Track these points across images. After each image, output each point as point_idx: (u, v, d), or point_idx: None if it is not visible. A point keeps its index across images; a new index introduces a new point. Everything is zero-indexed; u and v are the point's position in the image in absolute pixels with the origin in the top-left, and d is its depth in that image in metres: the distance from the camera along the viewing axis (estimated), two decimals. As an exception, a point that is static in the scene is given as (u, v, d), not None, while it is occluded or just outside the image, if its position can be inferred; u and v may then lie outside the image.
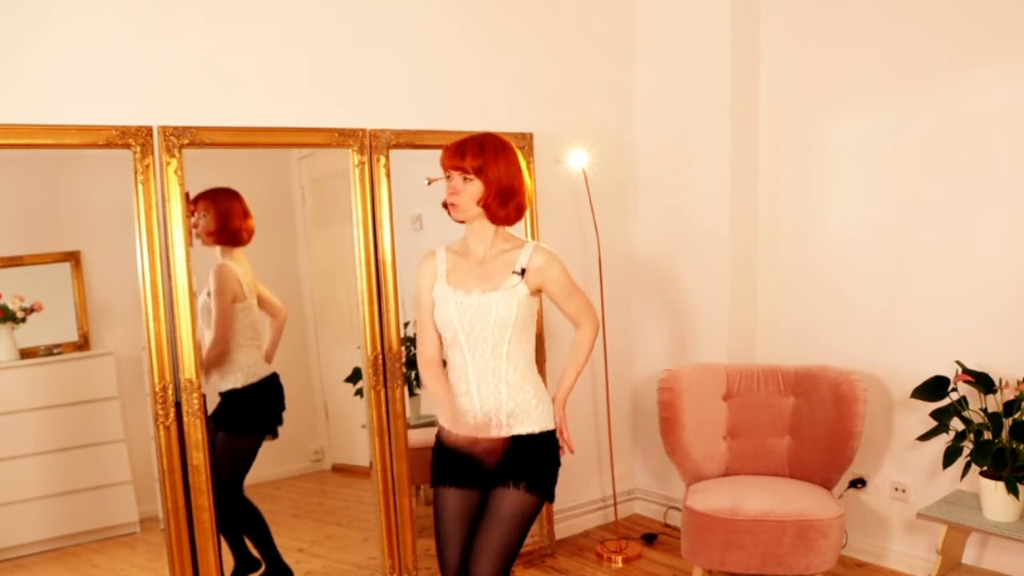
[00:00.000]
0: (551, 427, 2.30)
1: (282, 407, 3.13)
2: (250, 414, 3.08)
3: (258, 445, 3.09)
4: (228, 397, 2.99)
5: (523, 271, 2.24)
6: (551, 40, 3.62)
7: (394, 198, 3.06)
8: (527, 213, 2.43)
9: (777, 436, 3.27)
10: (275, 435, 3.12)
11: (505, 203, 2.24)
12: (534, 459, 2.26)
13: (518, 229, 2.78)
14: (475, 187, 2.21)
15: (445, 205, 2.29)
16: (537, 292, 2.30)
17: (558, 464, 2.33)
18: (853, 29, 3.29)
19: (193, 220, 2.84)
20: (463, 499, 2.31)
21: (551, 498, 2.32)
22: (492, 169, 2.21)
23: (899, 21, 3.16)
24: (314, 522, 3.39)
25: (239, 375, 3.01)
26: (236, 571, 3.07)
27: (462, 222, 2.29)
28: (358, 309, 3.07)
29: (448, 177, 2.24)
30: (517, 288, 2.22)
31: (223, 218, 2.95)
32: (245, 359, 3.02)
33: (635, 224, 3.95)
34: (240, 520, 3.07)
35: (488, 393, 2.23)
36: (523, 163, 2.30)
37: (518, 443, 2.25)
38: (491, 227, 2.28)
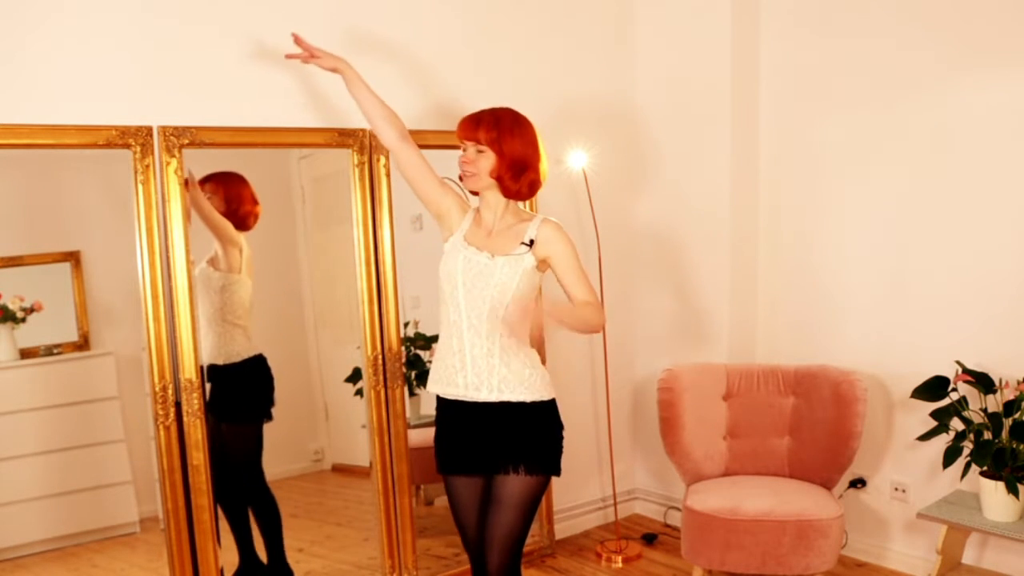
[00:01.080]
0: (547, 397, 2.29)
1: (272, 389, 3.12)
2: (242, 398, 3.08)
3: (260, 429, 3.09)
4: (212, 376, 2.96)
5: (531, 242, 2.26)
6: (553, 41, 3.62)
7: (394, 198, 3.06)
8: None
9: (777, 436, 3.27)
10: (270, 418, 3.12)
11: (518, 177, 2.28)
12: (530, 435, 2.26)
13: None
14: (488, 159, 2.26)
15: (461, 176, 2.35)
16: (544, 266, 2.31)
17: (559, 436, 2.32)
18: (854, 30, 3.29)
19: None
20: (471, 487, 2.34)
21: (556, 472, 2.31)
22: (506, 142, 2.25)
23: (900, 23, 3.16)
24: (314, 522, 3.39)
25: (221, 352, 2.99)
26: (239, 571, 3.07)
27: (475, 193, 2.35)
28: (358, 309, 3.07)
29: (464, 149, 2.29)
30: (524, 258, 2.24)
31: (234, 202, 2.97)
32: (228, 337, 3.00)
33: (635, 224, 3.95)
34: (258, 508, 3.08)
35: (480, 355, 2.24)
36: (541, 141, 2.33)
37: (511, 415, 2.24)
38: (503, 199, 2.32)
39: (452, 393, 2.29)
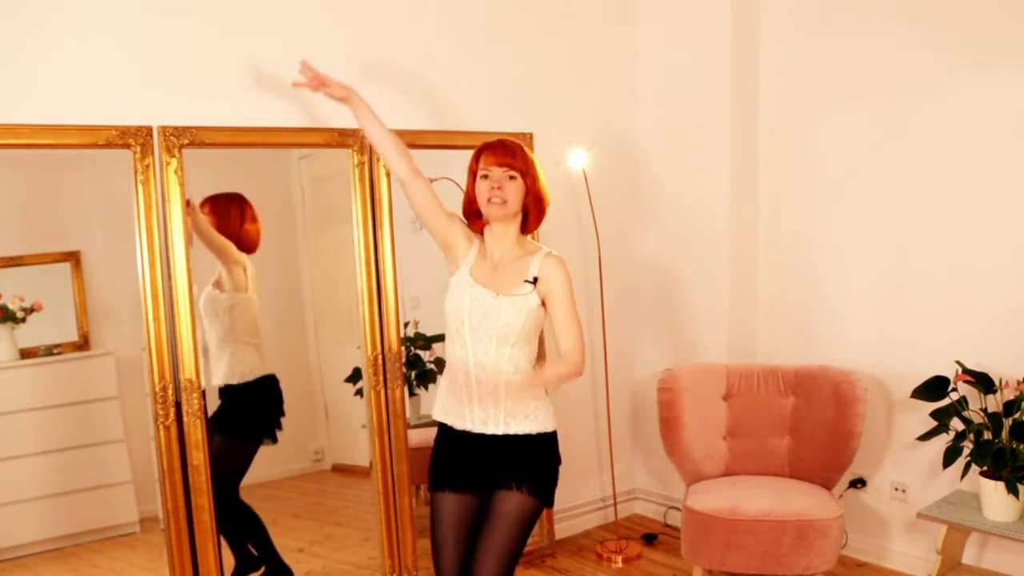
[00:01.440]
0: (550, 429, 2.29)
1: (281, 412, 3.12)
2: (246, 416, 3.07)
3: (254, 450, 3.08)
4: (223, 395, 2.97)
5: (535, 280, 2.22)
6: (553, 42, 3.62)
7: (394, 198, 3.06)
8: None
9: (777, 436, 3.27)
10: (274, 440, 3.11)
11: (540, 210, 2.29)
12: (535, 462, 2.26)
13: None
14: (519, 186, 2.23)
15: (470, 205, 2.29)
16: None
17: (556, 469, 2.32)
18: (854, 30, 3.29)
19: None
20: (460, 505, 2.30)
21: (550, 503, 2.31)
22: (532, 170, 2.25)
23: (900, 23, 3.16)
24: (314, 522, 3.39)
25: (234, 371, 2.99)
26: (236, 571, 3.07)
27: (479, 226, 2.30)
28: (358, 309, 3.07)
29: (484, 176, 2.23)
30: (528, 298, 2.21)
31: (220, 222, 2.96)
32: (241, 356, 3.01)
33: (635, 224, 3.95)
34: (237, 523, 3.07)
35: (487, 391, 2.22)
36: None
37: (517, 444, 2.24)
38: (513, 232, 2.28)
39: (459, 426, 2.28)
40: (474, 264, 2.28)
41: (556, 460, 2.32)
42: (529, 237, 2.35)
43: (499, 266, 2.26)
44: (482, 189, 2.24)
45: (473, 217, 2.32)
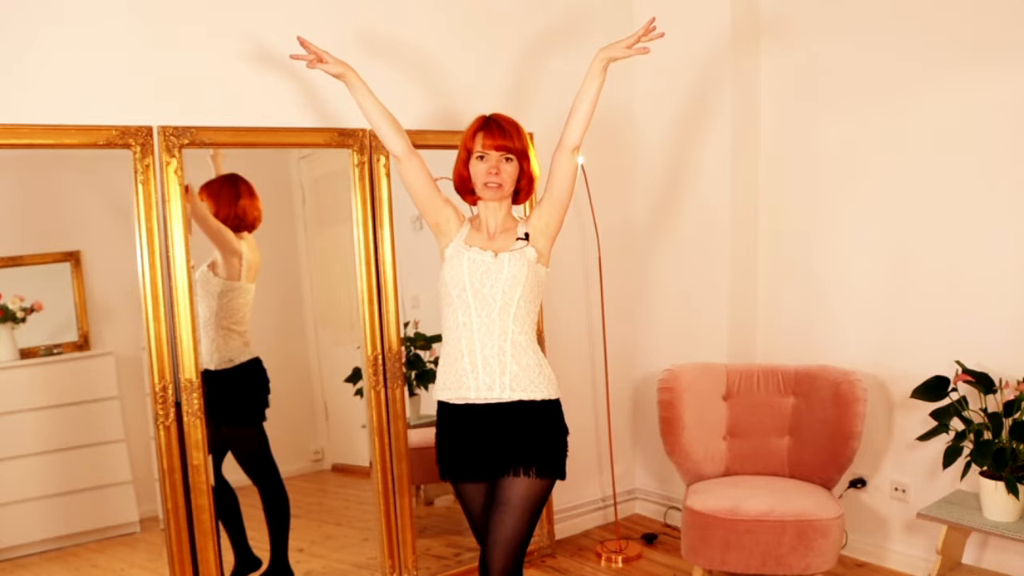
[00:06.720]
0: (554, 396, 2.30)
1: (267, 390, 3.11)
2: (238, 400, 3.07)
3: (261, 427, 3.09)
4: (206, 382, 2.94)
5: (527, 235, 2.31)
6: (551, 38, 3.62)
7: (394, 198, 3.06)
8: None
9: (777, 436, 3.27)
10: (263, 418, 3.11)
11: (531, 188, 2.37)
12: (540, 435, 2.26)
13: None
14: (513, 168, 2.29)
15: (463, 182, 2.34)
16: (546, 256, 2.34)
17: (565, 439, 2.32)
18: (854, 28, 3.29)
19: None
20: (480, 492, 2.35)
21: (562, 476, 2.32)
22: (527, 151, 2.32)
23: (901, 22, 3.16)
24: (314, 522, 3.39)
25: (212, 357, 2.98)
26: (236, 570, 3.07)
27: (472, 200, 2.38)
28: (358, 309, 3.07)
29: (481, 157, 2.28)
30: (525, 251, 2.28)
31: (217, 204, 2.96)
32: (221, 342, 2.99)
33: (635, 223, 3.95)
34: (270, 502, 3.09)
35: (492, 354, 2.24)
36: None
37: (521, 413, 2.24)
38: (507, 205, 2.36)
39: (463, 397, 2.27)
40: (468, 235, 2.34)
41: (563, 430, 2.32)
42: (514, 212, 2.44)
43: (494, 236, 2.33)
44: (479, 171, 2.29)
45: (466, 194, 2.39)
